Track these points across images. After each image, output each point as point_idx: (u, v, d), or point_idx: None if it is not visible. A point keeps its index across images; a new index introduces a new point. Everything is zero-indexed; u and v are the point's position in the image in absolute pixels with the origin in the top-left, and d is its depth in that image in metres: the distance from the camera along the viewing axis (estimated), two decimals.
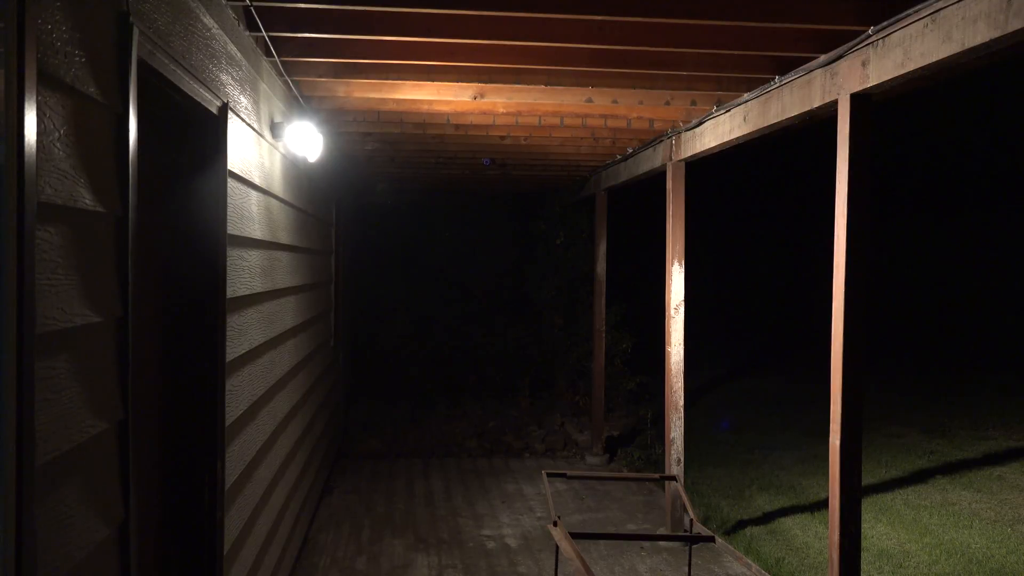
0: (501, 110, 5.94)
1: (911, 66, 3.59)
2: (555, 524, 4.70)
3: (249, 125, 3.99)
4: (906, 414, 11.86)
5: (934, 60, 3.44)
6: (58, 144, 1.88)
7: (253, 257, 4.11)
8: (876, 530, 6.97)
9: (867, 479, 7.07)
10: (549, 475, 5.36)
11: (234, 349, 3.65)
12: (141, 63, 2.39)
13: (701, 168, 7.25)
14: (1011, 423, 11.27)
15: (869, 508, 7.36)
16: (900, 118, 16.58)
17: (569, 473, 5.50)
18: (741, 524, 7.17)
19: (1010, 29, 3.01)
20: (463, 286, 13.28)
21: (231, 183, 3.53)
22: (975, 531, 6.98)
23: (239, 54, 3.75)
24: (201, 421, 3.32)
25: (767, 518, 7.36)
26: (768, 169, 19.08)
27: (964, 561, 6.27)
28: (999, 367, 15.77)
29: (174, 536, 3.28)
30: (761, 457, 9.60)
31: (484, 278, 13.35)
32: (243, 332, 3.87)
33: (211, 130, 3.31)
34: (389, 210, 13.15)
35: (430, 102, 5.68)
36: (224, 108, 3.38)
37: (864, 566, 5.62)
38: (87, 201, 2.05)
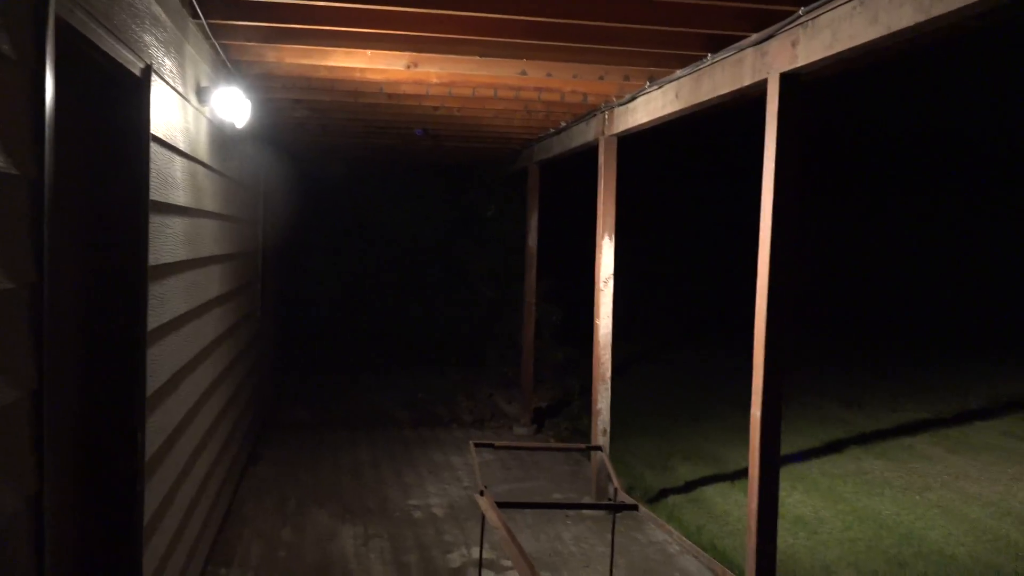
0: (435, 80, 5.89)
1: (839, 47, 3.67)
2: (482, 494, 4.73)
3: (174, 88, 3.88)
4: (824, 387, 12.24)
5: (861, 42, 3.51)
6: None
7: (177, 224, 4.01)
8: (793, 498, 7.20)
9: (785, 449, 7.28)
10: (476, 445, 5.39)
11: (156, 318, 3.56)
12: (59, 21, 2.30)
13: (635, 144, 7.31)
14: (923, 396, 11.73)
15: (786, 477, 7.59)
16: (838, 99, 16.92)
17: (496, 443, 5.53)
18: (664, 493, 7.34)
19: (934, 14, 3.10)
20: (394, 258, 13.19)
21: (154, 148, 3.43)
22: (886, 498, 7.26)
23: (164, 15, 3.63)
24: (121, 391, 3.25)
25: (689, 487, 7.54)
26: (701, 146, 19.31)
27: (875, 527, 6.53)
28: (917, 344, 16.34)
29: (94, 507, 3.21)
30: (685, 428, 9.81)
31: (416, 250, 13.28)
32: (166, 301, 3.79)
33: (133, 93, 3.21)
34: (319, 180, 12.95)
35: (362, 70, 5.60)
36: (147, 70, 3.27)
37: (781, 532, 5.80)
38: None
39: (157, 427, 3.64)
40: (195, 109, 4.50)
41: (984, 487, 7.64)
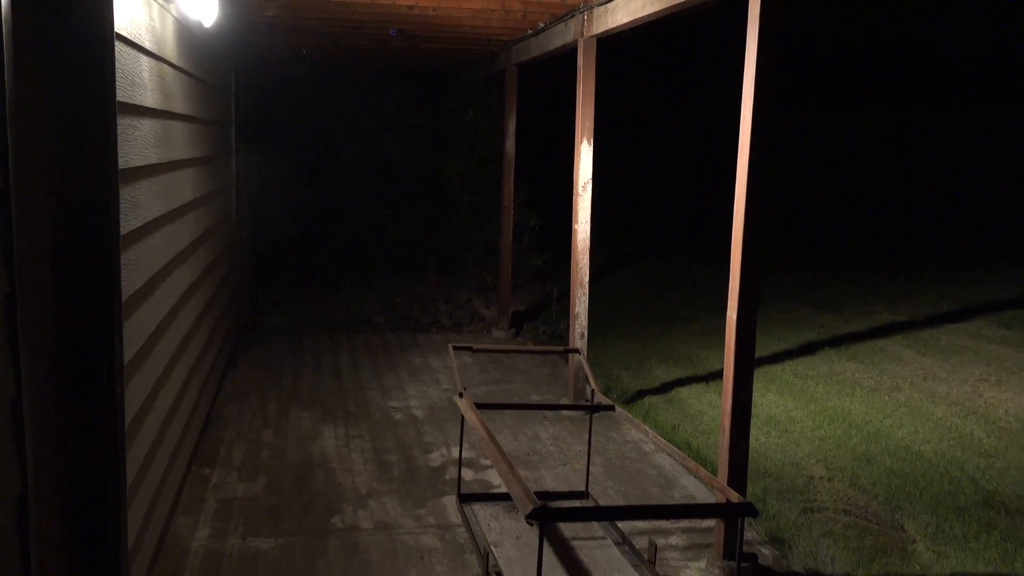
0: None
1: None
2: (461, 395, 4.80)
3: None
4: (799, 292, 12.39)
5: None
6: None
7: (146, 126, 3.93)
8: (766, 398, 7.36)
9: (759, 351, 7.41)
10: (455, 348, 5.43)
11: (129, 222, 3.52)
12: None
13: (616, 47, 7.17)
14: (897, 301, 11.90)
15: (760, 378, 7.74)
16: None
17: (475, 346, 5.58)
18: (640, 394, 7.48)
19: None
20: (371, 161, 13.02)
21: (119, 47, 3.33)
22: (856, 399, 7.44)
23: None
24: (96, 296, 3.23)
25: (665, 388, 7.68)
26: (682, 51, 18.99)
27: (844, 426, 6.71)
28: (891, 250, 16.48)
29: (74, 410, 3.24)
30: (661, 331, 9.94)
31: (392, 154, 13.10)
32: (138, 204, 3.74)
33: None
34: (292, 83, 12.65)
35: None
36: None
37: (753, 431, 5.94)
38: None
39: (135, 331, 3.64)
40: (160, 6, 4.36)
41: (952, 387, 7.83)
